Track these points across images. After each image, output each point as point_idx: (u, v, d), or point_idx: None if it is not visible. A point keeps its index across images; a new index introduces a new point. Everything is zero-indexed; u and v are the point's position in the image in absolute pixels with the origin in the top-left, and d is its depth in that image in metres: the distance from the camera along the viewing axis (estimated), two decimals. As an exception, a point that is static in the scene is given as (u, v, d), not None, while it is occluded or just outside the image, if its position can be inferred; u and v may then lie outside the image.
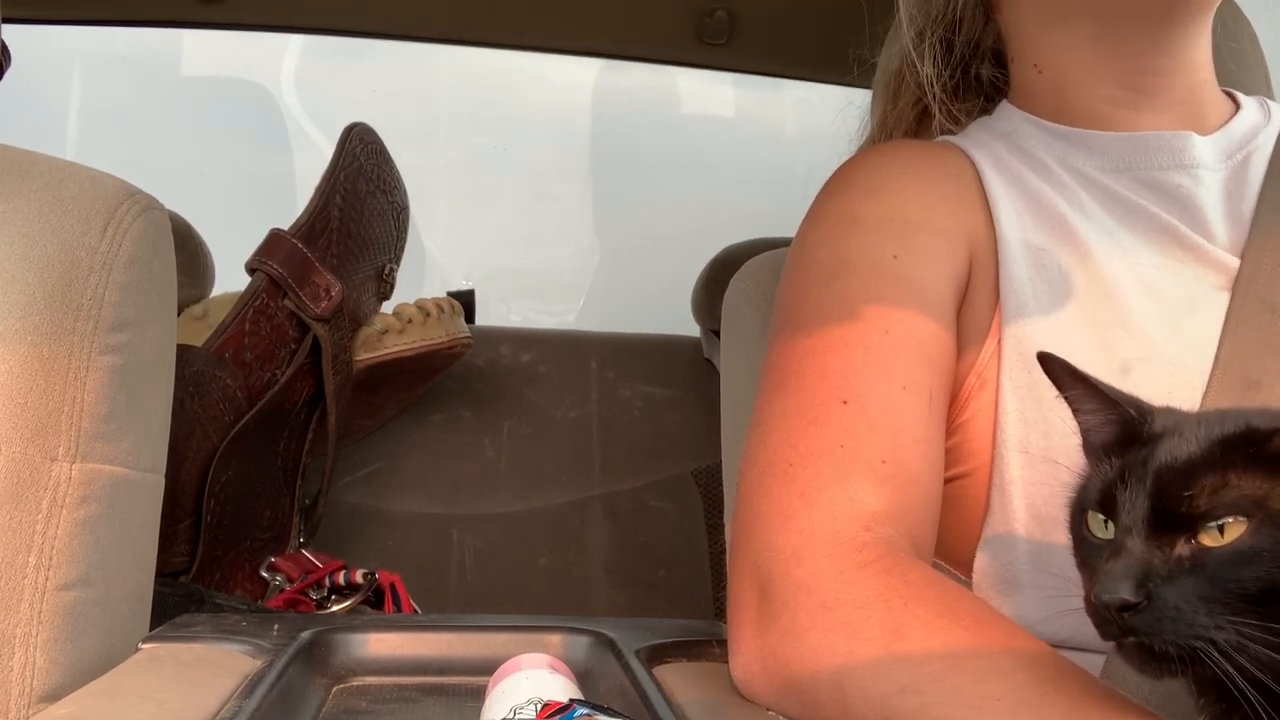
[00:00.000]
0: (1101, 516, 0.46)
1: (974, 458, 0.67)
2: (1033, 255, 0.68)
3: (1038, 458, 0.63)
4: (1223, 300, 0.65)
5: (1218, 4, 0.72)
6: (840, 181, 0.75)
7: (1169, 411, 0.49)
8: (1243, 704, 0.42)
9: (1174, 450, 0.45)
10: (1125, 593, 0.42)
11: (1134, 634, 0.43)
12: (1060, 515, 0.63)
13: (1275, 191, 0.69)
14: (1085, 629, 0.64)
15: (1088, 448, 0.52)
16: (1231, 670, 0.41)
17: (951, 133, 0.81)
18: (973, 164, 0.73)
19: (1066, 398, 0.52)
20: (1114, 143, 0.72)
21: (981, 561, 0.66)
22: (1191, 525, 0.43)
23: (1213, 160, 0.71)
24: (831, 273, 0.69)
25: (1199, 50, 0.74)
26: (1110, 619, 0.43)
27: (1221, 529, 0.42)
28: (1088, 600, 0.45)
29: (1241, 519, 0.42)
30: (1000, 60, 0.81)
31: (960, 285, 0.69)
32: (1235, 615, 0.41)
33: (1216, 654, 0.41)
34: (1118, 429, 0.49)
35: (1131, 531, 0.44)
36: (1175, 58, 0.73)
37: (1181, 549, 0.43)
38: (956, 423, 0.67)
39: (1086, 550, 0.48)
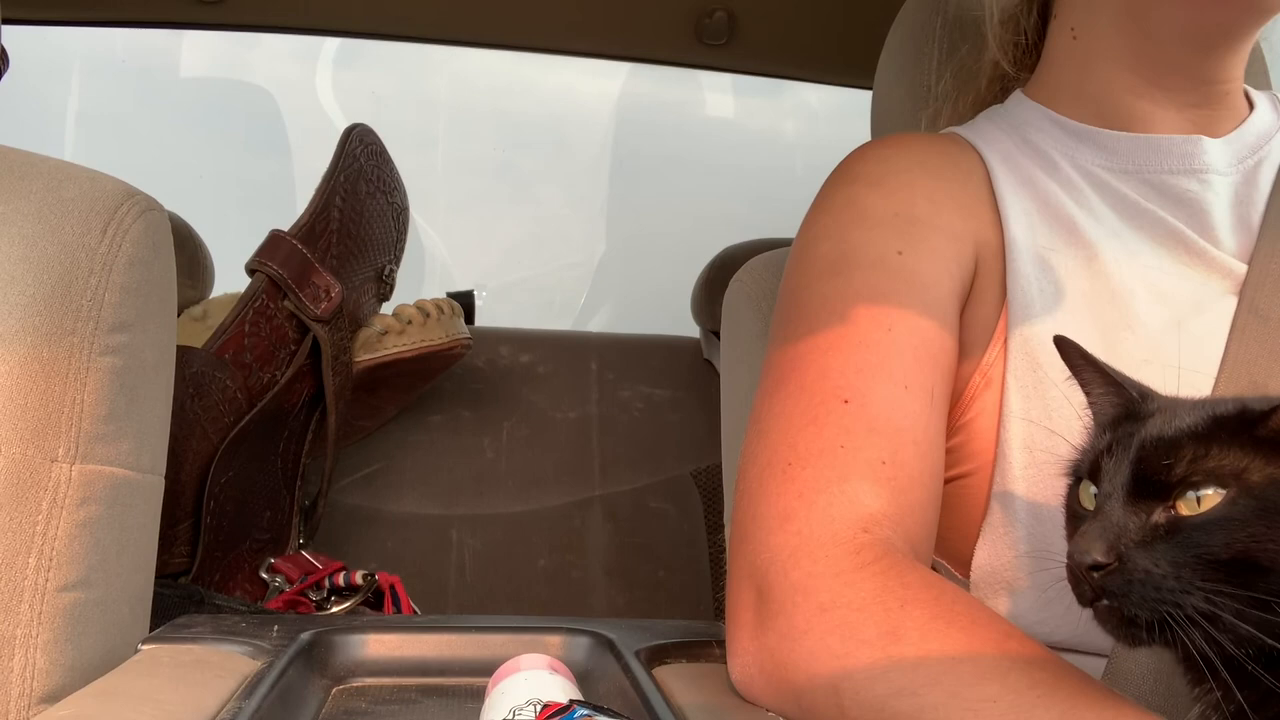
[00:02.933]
0: (1092, 489, 0.48)
1: (976, 457, 0.66)
2: (1040, 256, 0.68)
3: (1041, 458, 0.63)
4: (1229, 305, 0.65)
5: (1261, 28, 0.70)
6: (846, 173, 0.74)
7: (1174, 399, 0.50)
8: (1235, 689, 0.42)
9: (1162, 424, 0.46)
10: (1096, 553, 0.44)
11: (1106, 596, 0.44)
12: (1062, 517, 0.63)
13: None
14: (1084, 630, 0.64)
15: (1094, 429, 0.53)
16: (1199, 639, 0.42)
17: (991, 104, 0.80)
18: (982, 160, 0.72)
19: (1079, 380, 0.54)
20: (1124, 143, 0.71)
21: (981, 561, 0.66)
22: (1169, 494, 0.44)
23: (1224, 165, 0.70)
24: (834, 267, 0.68)
25: (1235, 64, 0.72)
26: (1082, 579, 0.45)
27: (1199, 500, 0.43)
28: (1067, 566, 0.47)
29: (1219, 490, 0.43)
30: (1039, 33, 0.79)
31: (965, 285, 0.68)
32: (1206, 581, 0.42)
33: (1185, 620, 0.42)
34: (1120, 409, 0.50)
35: (1111, 497, 0.45)
36: (1211, 69, 0.71)
37: (1158, 516, 0.44)
38: (960, 422, 0.67)
39: (1074, 522, 0.49)
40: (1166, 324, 0.65)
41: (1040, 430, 0.64)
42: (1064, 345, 0.54)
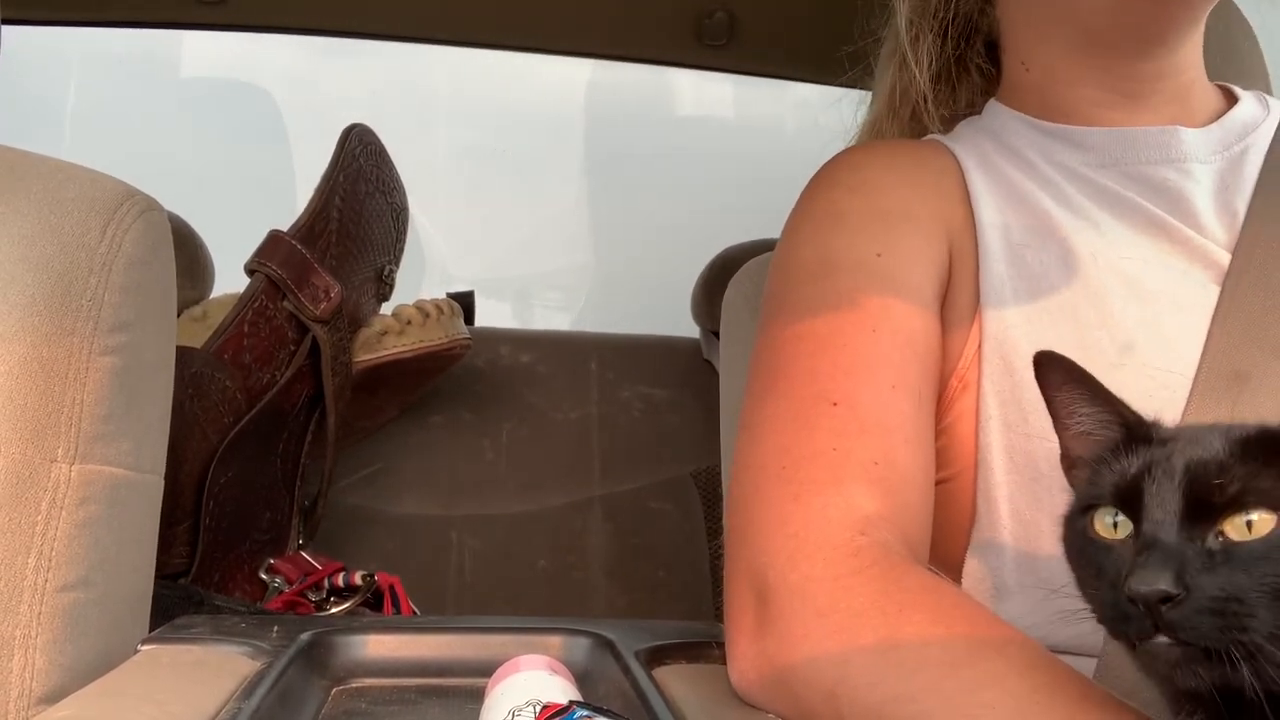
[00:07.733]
0: (1110, 518, 0.46)
1: (958, 461, 0.66)
2: (1014, 254, 0.68)
3: (1022, 463, 0.63)
4: (1210, 295, 0.65)
5: (1205, 14, 0.72)
6: (824, 179, 0.75)
7: (1185, 426, 0.49)
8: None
9: (1200, 448, 0.44)
10: (1165, 584, 0.41)
11: (1170, 629, 0.42)
12: (1044, 522, 0.63)
13: (1271, 183, 0.68)
14: (1074, 634, 0.64)
15: (1077, 449, 0.51)
16: (1267, 671, 0.40)
17: (940, 131, 0.81)
18: (956, 161, 0.73)
19: (1060, 398, 0.51)
20: (1101, 138, 0.72)
21: (970, 568, 0.66)
22: (1219, 518, 0.42)
23: (1204, 153, 0.71)
24: (817, 272, 0.68)
25: (1188, 53, 0.74)
26: (1140, 615, 0.42)
27: (1249, 524, 0.42)
28: (1100, 601, 0.45)
29: (1270, 514, 0.41)
30: (994, 52, 0.81)
31: (943, 282, 0.69)
32: (1268, 610, 0.40)
33: (1253, 650, 0.40)
34: (1122, 431, 0.48)
35: (1162, 525, 0.43)
36: (1162, 62, 0.73)
37: (1212, 543, 0.42)
38: (941, 426, 0.67)
39: (1093, 552, 0.46)
40: (1142, 322, 0.65)
41: (1019, 435, 0.64)
42: (1047, 363, 0.51)
